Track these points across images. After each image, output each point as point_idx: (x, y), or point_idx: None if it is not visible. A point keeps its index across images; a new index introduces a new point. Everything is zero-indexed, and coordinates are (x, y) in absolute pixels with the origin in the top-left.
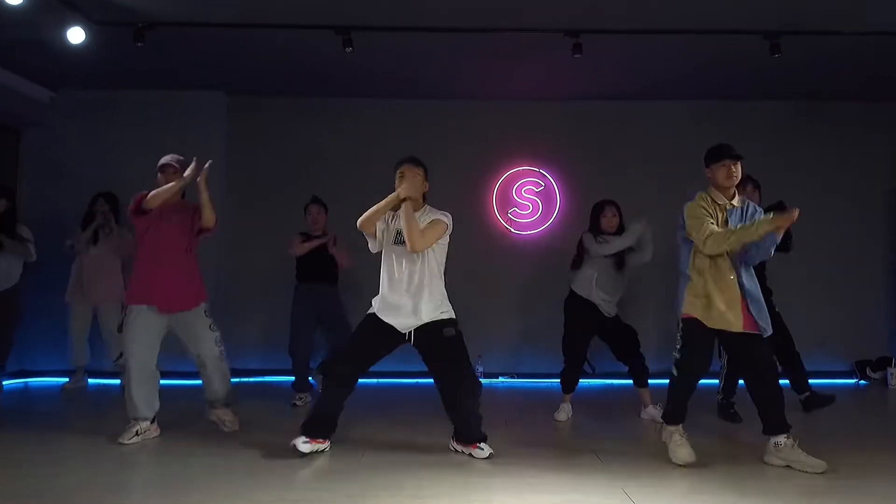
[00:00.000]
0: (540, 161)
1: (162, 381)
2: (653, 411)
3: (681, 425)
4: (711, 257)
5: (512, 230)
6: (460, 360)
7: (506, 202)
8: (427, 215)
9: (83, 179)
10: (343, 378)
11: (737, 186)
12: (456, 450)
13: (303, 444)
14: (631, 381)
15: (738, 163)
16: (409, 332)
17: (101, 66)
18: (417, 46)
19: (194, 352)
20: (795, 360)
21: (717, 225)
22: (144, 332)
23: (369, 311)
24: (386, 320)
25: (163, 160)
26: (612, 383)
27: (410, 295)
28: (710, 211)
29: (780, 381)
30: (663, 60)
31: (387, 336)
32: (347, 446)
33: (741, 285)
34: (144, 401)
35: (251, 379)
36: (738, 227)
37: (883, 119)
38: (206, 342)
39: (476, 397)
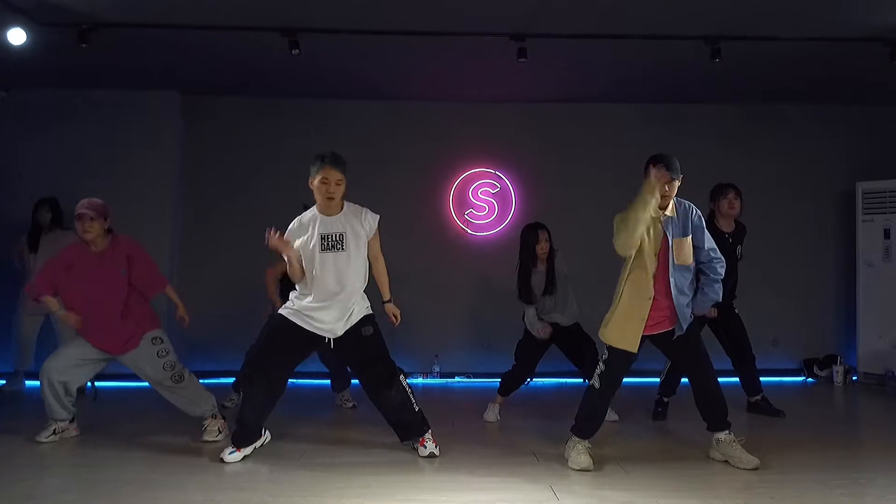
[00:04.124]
0: (496, 163)
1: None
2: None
3: (587, 440)
4: (634, 278)
5: (468, 231)
6: (380, 355)
7: (462, 203)
8: (356, 217)
9: (33, 181)
10: (274, 384)
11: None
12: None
13: (230, 455)
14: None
15: (676, 181)
16: (330, 339)
17: (53, 66)
18: (366, 48)
19: (146, 380)
20: (750, 363)
21: (650, 236)
22: (84, 357)
23: (284, 315)
24: (306, 327)
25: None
26: (565, 382)
27: (341, 301)
28: None
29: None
30: (611, 65)
31: (307, 342)
32: (289, 445)
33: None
34: (58, 404)
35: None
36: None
37: (832, 121)
38: (153, 370)
39: (396, 390)
